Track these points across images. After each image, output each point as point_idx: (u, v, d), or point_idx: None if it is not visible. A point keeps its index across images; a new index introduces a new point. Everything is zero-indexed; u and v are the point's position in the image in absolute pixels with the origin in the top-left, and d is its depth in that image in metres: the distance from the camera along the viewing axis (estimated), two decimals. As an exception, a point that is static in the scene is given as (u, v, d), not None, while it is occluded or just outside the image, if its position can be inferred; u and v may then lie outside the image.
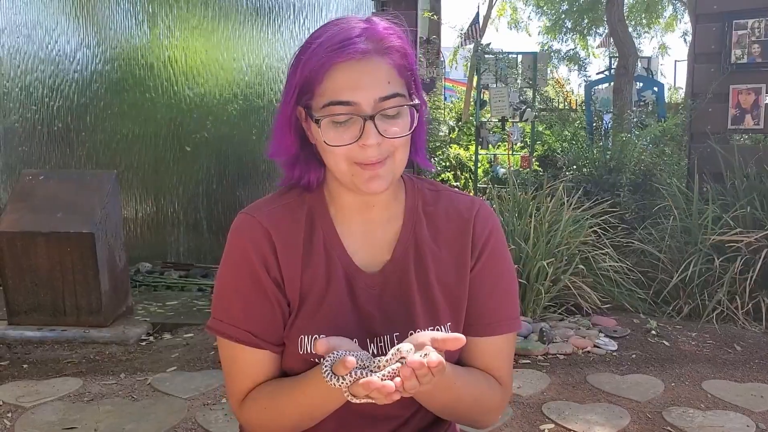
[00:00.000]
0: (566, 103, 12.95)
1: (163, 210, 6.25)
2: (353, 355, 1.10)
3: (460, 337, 1.10)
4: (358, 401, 1.09)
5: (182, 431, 2.87)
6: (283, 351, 1.29)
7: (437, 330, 1.27)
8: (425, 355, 1.06)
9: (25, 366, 3.69)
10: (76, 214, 4.13)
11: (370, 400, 1.07)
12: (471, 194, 1.54)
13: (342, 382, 1.08)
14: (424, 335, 1.14)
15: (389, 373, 1.06)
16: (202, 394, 3.26)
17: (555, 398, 3.24)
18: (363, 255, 1.30)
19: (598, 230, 4.80)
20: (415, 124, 1.24)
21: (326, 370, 1.10)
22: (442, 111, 11.66)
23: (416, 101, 1.25)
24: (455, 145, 10.46)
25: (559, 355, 3.82)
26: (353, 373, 1.07)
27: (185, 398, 3.20)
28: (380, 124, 1.18)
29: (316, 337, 1.23)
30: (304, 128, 1.27)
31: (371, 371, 1.09)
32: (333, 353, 1.11)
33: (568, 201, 4.75)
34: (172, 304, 4.91)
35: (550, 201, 4.78)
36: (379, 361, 1.10)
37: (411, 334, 1.20)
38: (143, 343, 4.10)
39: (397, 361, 1.08)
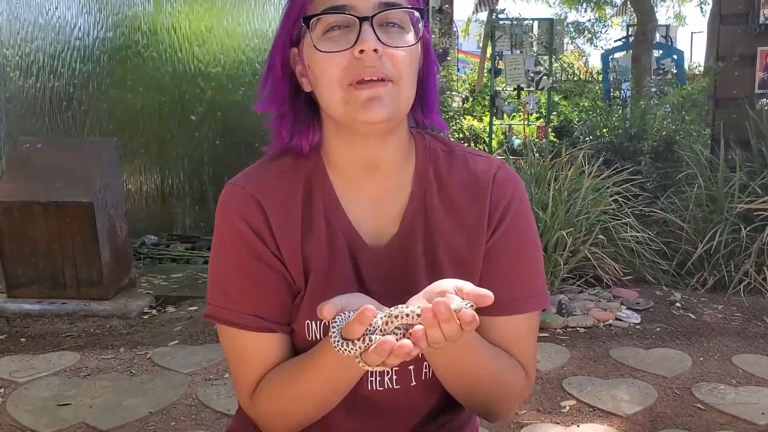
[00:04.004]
0: (584, 75, 12.65)
1: (168, 181, 6.09)
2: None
3: (488, 294, 0.92)
4: (372, 369, 0.93)
5: (182, 407, 2.72)
6: (293, 332, 1.14)
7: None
8: (454, 309, 0.89)
9: (23, 340, 3.55)
10: (75, 184, 3.97)
11: (386, 368, 0.93)
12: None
13: (353, 349, 0.92)
14: (448, 283, 0.97)
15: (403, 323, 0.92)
16: (203, 368, 3.10)
17: (576, 373, 3.06)
18: (368, 227, 1.15)
19: (619, 199, 4.59)
20: (420, 54, 1.09)
21: (335, 337, 0.94)
22: (456, 83, 11.42)
23: (423, 18, 1.09)
24: (469, 117, 10.23)
25: (579, 328, 3.64)
26: (364, 339, 0.91)
27: (186, 373, 3.05)
28: (381, 33, 1.02)
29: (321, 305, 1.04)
30: (297, 75, 1.12)
31: (385, 332, 0.92)
32: (341, 315, 0.96)
33: (588, 169, 4.53)
34: (177, 276, 4.76)
35: (570, 169, 4.57)
36: (395, 319, 0.93)
37: None
38: (145, 317, 3.95)
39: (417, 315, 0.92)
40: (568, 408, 2.71)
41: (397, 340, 0.90)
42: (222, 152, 6.02)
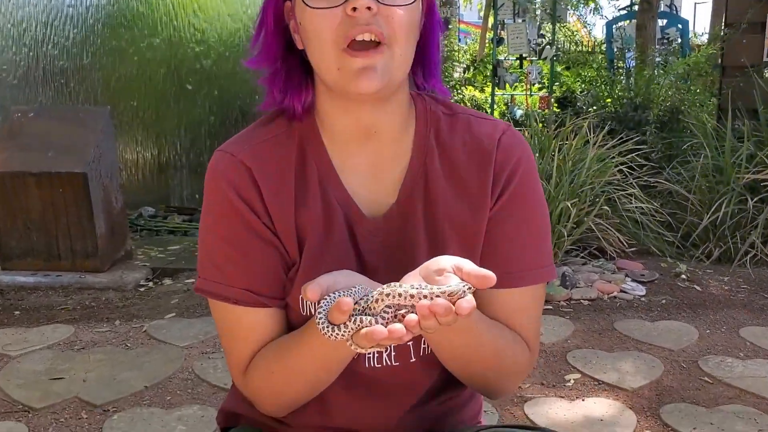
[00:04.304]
0: (587, 46, 12.48)
1: (165, 152, 5.99)
2: (350, 293, 0.88)
3: (490, 276, 0.86)
4: (365, 351, 0.88)
5: (178, 381, 2.66)
6: (287, 306, 1.08)
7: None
8: (450, 293, 0.83)
9: (17, 313, 3.49)
10: (68, 153, 3.88)
11: (379, 349, 0.88)
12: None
13: (341, 333, 0.85)
14: (445, 261, 0.90)
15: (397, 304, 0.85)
16: (200, 342, 3.04)
17: (580, 346, 3.00)
18: (365, 196, 1.08)
19: (624, 170, 4.50)
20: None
21: (321, 320, 0.87)
22: (457, 53, 11.27)
23: None
24: (470, 87, 10.09)
25: (583, 300, 3.57)
26: (354, 320, 0.85)
27: (182, 346, 2.99)
28: None
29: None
30: (291, 31, 1.05)
31: (375, 312, 0.86)
32: (327, 297, 0.89)
33: (593, 138, 4.44)
34: (174, 248, 4.69)
35: (574, 139, 4.47)
36: (387, 297, 0.86)
37: None
38: (142, 289, 3.88)
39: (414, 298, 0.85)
40: (572, 382, 2.65)
41: (387, 321, 0.84)
42: (219, 122, 5.92)
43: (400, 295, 0.84)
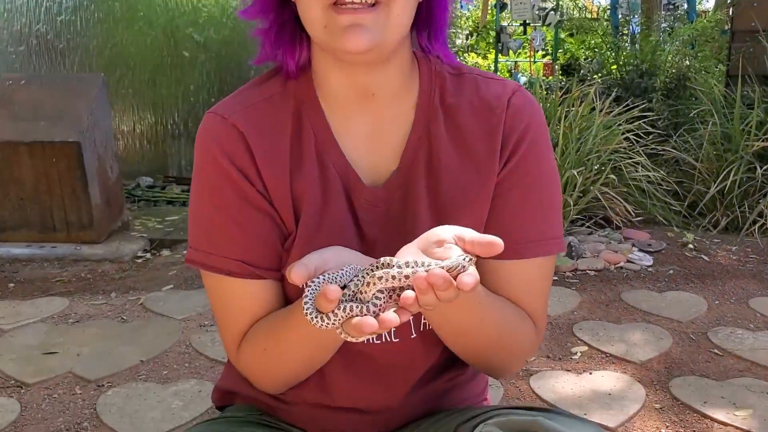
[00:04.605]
0: (591, 13, 12.28)
1: (162, 121, 5.88)
2: (339, 276, 0.83)
3: (495, 241, 0.78)
4: (356, 340, 0.80)
5: (175, 355, 2.60)
6: (283, 278, 1.01)
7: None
8: (450, 268, 0.76)
9: (11, 285, 3.42)
10: (61, 122, 3.78)
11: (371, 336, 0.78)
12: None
13: (329, 323, 0.78)
14: (445, 231, 0.83)
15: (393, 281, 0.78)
16: (198, 314, 2.97)
17: (587, 318, 2.93)
18: (365, 163, 1.02)
19: (631, 137, 4.40)
20: None
21: (308, 308, 0.80)
22: (459, 19, 11.10)
23: None
24: (473, 54, 9.94)
25: (589, 271, 3.49)
26: (344, 308, 0.77)
27: (180, 319, 2.92)
28: None
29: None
30: None
31: (366, 297, 0.79)
32: (315, 280, 0.81)
33: (599, 105, 4.33)
34: (173, 219, 4.61)
35: (580, 106, 4.36)
36: (379, 281, 0.78)
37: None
38: (139, 261, 3.81)
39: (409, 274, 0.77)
40: (579, 354, 2.59)
41: (380, 308, 0.77)
42: (217, 90, 5.80)
43: (393, 277, 0.77)
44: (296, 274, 0.80)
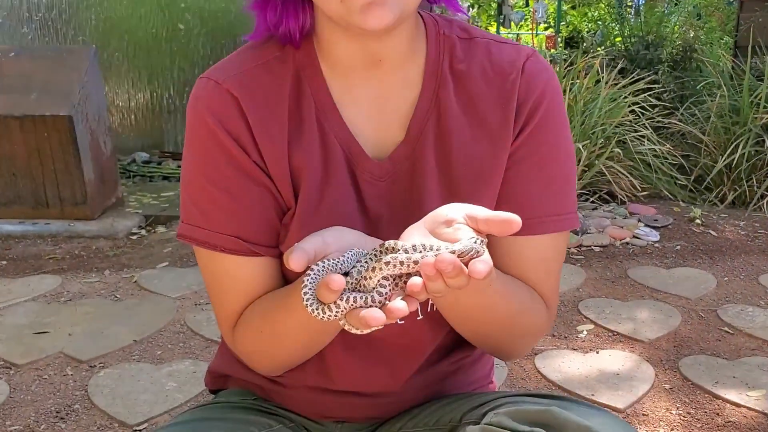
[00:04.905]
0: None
1: (157, 95, 5.76)
2: (342, 263, 0.76)
3: (512, 219, 0.72)
4: (361, 333, 0.74)
5: (169, 335, 2.52)
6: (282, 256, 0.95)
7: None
8: (460, 252, 0.70)
9: (3, 263, 3.34)
10: (52, 95, 3.68)
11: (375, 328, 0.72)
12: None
13: (331, 314, 0.72)
14: (455, 210, 0.77)
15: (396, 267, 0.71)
16: (194, 292, 2.90)
17: (592, 295, 2.85)
18: (369, 134, 0.95)
19: (637, 110, 4.30)
20: None
21: (308, 299, 0.73)
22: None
23: None
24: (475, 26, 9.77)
25: (594, 247, 3.41)
26: (347, 299, 0.71)
27: (174, 297, 2.85)
28: None
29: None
30: None
31: (370, 284, 0.73)
32: (315, 267, 0.75)
33: (605, 77, 4.22)
34: (168, 195, 4.51)
35: (585, 78, 4.25)
36: (386, 267, 0.72)
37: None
38: (134, 237, 3.73)
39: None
40: (585, 333, 2.51)
41: (386, 296, 0.71)
42: (215, 63, 5.67)
43: (402, 263, 0.70)
44: (295, 260, 0.72)
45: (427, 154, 0.93)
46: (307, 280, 0.74)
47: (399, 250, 0.73)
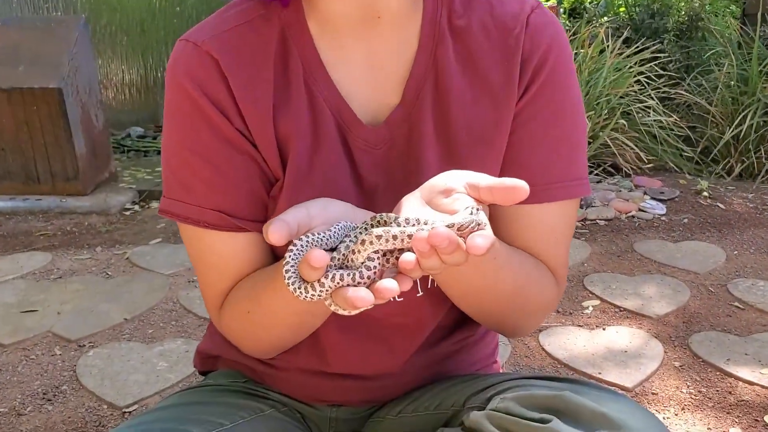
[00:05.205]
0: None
1: (152, 69, 5.65)
2: (327, 237, 0.69)
3: (519, 186, 0.64)
4: (348, 313, 0.66)
5: (161, 312, 2.44)
6: None
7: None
8: (459, 226, 0.63)
9: (-7, 239, 3.26)
10: (40, 67, 3.57)
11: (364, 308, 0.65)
12: None
13: (315, 294, 0.65)
14: (455, 178, 0.70)
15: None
16: (187, 269, 2.81)
17: (598, 270, 2.77)
18: (362, 98, 0.89)
19: (642, 80, 4.18)
20: None
21: (290, 276, 0.67)
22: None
23: None
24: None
25: (599, 220, 3.32)
26: (332, 276, 0.64)
27: (167, 274, 2.76)
28: None
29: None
30: None
31: (358, 257, 0.65)
32: (297, 242, 0.68)
33: (610, 45, 4.10)
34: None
35: (589, 47, 4.14)
36: (377, 240, 0.64)
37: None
38: (127, 213, 3.64)
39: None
40: (591, 309, 2.43)
41: (377, 271, 0.64)
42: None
43: (395, 237, 0.62)
44: (274, 232, 0.65)
45: (425, 118, 0.87)
46: (289, 256, 0.66)
47: (392, 222, 0.66)
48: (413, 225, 0.64)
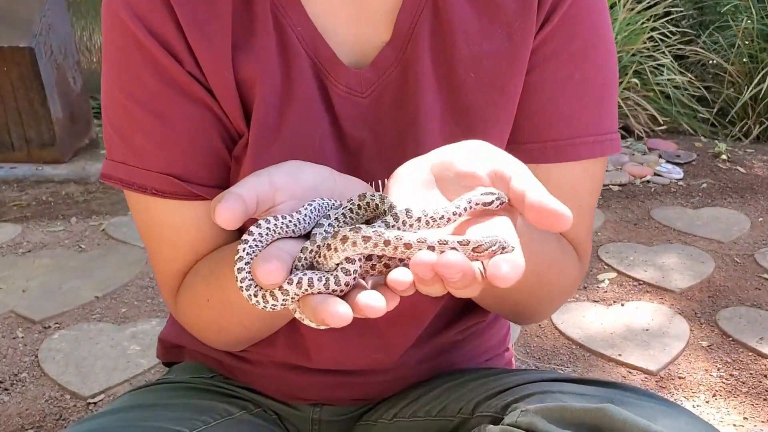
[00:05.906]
0: None
1: (137, 30, 5.40)
2: (296, 218, 0.51)
3: (561, 212, 0.48)
4: (316, 326, 0.50)
5: (135, 289, 2.24)
6: None
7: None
8: (478, 246, 0.47)
9: (-37, 211, 3.04)
10: (10, 25, 3.32)
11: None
12: None
13: (276, 304, 0.47)
14: (477, 160, 0.54)
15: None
16: (167, 241, 2.60)
17: (613, 239, 2.55)
18: (344, 34, 0.74)
19: (656, 36, 3.94)
20: None
21: (243, 278, 0.48)
22: None
23: None
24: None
25: (612, 186, 3.10)
26: (297, 281, 0.46)
27: (143, 247, 2.54)
28: None
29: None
30: None
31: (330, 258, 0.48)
32: (254, 230, 0.50)
33: (622, 0, 3.85)
34: (148, 136, 4.20)
35: (599, 0, 3.88)
36: (367, 241, 0.46)
37: None
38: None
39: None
40: (607, 282, 2.22)
41: (355, 277, 0.47)
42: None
43: (387, 243, 0.46)
44: (223, 211, 0.48)
45: (423, 58, 0.72)
46: (243, 250, 0.48)
47: (386, 211, 0.50)
48: (414, 227, 0.48)
